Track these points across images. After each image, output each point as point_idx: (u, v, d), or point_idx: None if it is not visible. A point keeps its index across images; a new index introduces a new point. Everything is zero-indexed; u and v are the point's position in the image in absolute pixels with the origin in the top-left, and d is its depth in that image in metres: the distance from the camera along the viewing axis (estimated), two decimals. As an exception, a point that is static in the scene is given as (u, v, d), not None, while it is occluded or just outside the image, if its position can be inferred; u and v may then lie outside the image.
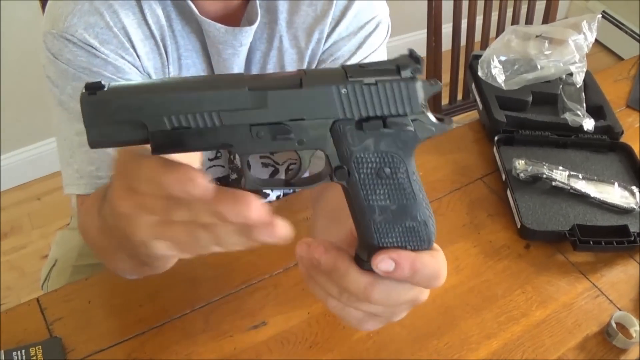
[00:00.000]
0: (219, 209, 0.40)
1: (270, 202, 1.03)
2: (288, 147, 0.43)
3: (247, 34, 0.75)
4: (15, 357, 0.71)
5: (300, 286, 0.83)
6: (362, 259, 0.49)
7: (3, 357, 0.71)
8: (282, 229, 0.41)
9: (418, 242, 0.48)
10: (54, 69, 0.71)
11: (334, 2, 0.79)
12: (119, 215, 0.44)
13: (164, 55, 0.74)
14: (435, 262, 0.48)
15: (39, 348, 0.72)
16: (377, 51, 0.85)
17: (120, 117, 0.40)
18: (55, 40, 0.69)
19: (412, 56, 0.44)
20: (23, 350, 0.72)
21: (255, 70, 0.81)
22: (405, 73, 0.44)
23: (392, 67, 0.44)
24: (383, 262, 0.46)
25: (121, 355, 0.74)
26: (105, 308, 0.78)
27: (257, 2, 0.75)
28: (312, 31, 0.80)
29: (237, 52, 0.75)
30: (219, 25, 0.73)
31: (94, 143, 0.41)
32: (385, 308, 0.50)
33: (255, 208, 0.40)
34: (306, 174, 0.49)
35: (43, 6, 1.03)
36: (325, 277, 0.49)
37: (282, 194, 1.01)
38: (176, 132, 0.41)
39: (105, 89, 0.40)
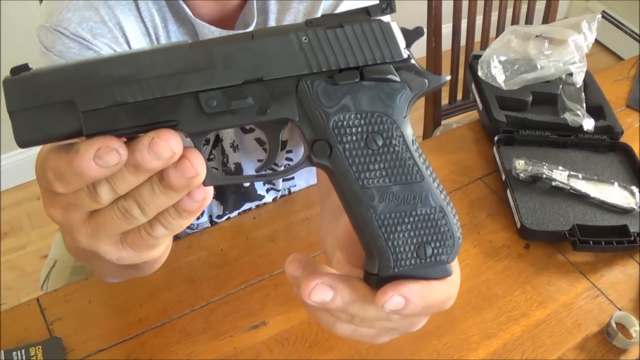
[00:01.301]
0: (133, 160, 0.34)
1: (265, 203, 1.02)
2: (248, 119, 0.35)
3: None
4: (15, 357, 0.71)
5: (300, 286, 0.83)
6: (371, 273, 0.40)
7: (3, 357, 0.71)
8: (198, 162, 0.35)
9: (439, 238, 0.39)
10: (46, 61, 0.70)
11: None
12: (57, 223, 0.39)
13: None
14: (448, 289, 0.42)
15: (39, 348, 0.72)
16: None
17: (45, 99, 0.33)
18: (48, 33, 0.69)
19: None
20: (23, 350, 0.72)
21: None
22: (375, 12, 0.36)
23: (362, 12, 0.37)
24: (390, 301, 0.39)
25: (121, 355, 0.74)
26: (105, 308, 0.78)
27: (254, 3, 0.74)
28: None
29: None
30: (213, 27, 0.73)
31: (21, 138, 0.34)
32: (403, 321, 0.44)
33: (169, 137, 0.33)
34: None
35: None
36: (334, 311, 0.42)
37: (279, 195, 1.00)
38: (110, 111, 0.33)
39: (32, 69, 0.34)
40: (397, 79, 0.36)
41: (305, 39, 0.35)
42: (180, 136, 0.34)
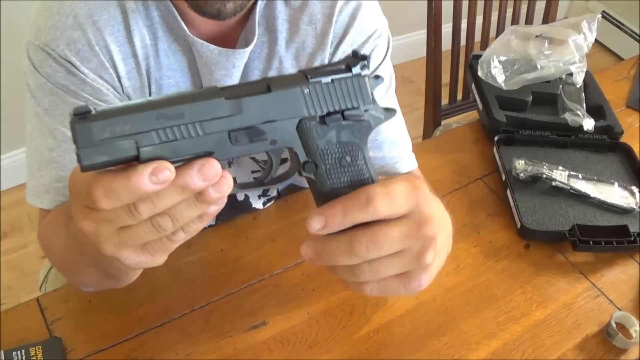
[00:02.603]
0: (183, 182, 0.42)
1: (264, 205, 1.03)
2: (263, 148, 0.48)
3: (241, 57, 0.73)
4: (15, 357, 0.71)
5: (301, 286, 0.83)
6: None
7: (3, 357, 0.71)
8: (230, 178, 0.45)
9: None
10: (34, 79, 0.70)
11: (334, 19, 0.77)
12: (86, 233, 0.45)
13: (144, 75, 0.73)
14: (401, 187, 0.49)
15: (39, 348, 0.72)
16: (382, 64, 0.84)
17: (110, 138, 0.42)
18: (37, 51, 0.69)
19: (358, 56, 0.50)
20: (23, 350, 0.72)
21: None
22: (356, 69, 0.50)
23: (343, 67, 0.50)
24: (313, 221, 0.51)
25: (121, 355, 0.74)
26: (105, 308, 0.78)
27: (256, 22, 0.73)
28: (314, 52, 0.79)
29: (230, 73, 0.74)
30: (212, 46, 0.71)
31: (86, 167, 0.42)
32: (414, 240, 0.50)
33: (215, 164, 0.44)
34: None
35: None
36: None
37: (276, 196, 1.01)
38: (163, 145, 0.43)
39: (93, 112, 0.42)
40: (366, 118, 0.51)
41: (307, 92, 0.48)
42: None
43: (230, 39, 0.74)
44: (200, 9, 0.65)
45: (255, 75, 0.78)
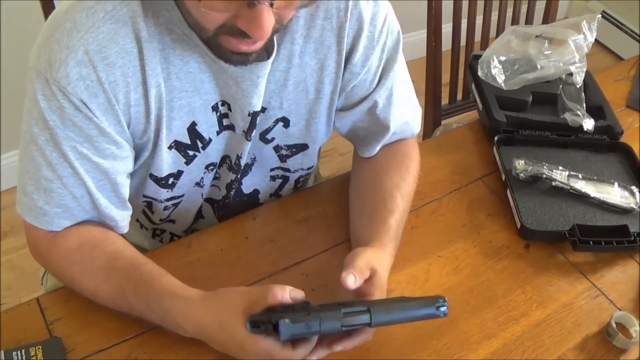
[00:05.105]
0: (333, 350, 0.72)
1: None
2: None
3: (264, 68, 0.75)
4: (15, 357, 0.71)
5: (300, 286, 0.83)
6: None
7: (3, 357, 0.71)
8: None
9: None
10: (38, 109, 0.71)
11: (349, 13, 0.79)
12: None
13: (152, 101, 0.74)
14: None
15: (39, 348, 0.72)
16: (399, 57, 0.88)
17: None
18: (45, 85, 0.69)
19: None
20: (23, 350, 0.72)
21: (275, 88, 0.81)
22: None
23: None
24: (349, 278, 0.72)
25: (121, 355, 0.74)
26: (105, 308, 0.78)
27: (274, 36, 0.75)
28: (331, 45, 0.81)
29: (256, 83, 0.76)
30: (232, 68, 0.73)
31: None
32: None
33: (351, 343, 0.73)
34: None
35: (44, 7, 1.03)
36: None
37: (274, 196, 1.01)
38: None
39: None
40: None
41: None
42: None
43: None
44: (226, 60, 0.71)
45: (276, 75, 0.80)
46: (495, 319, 0.82)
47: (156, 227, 0.99)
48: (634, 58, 1.40)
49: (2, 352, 0.72)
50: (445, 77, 1.51)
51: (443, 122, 1.58)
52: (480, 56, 1.19)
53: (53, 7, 1.01)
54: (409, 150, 0.94)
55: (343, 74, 0.84)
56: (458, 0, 1.46)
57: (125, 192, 0.80)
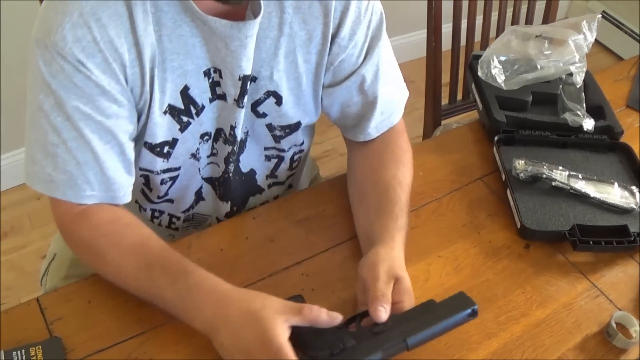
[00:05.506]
0: None
1: (267, 201, 1.03)
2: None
3: (252, 27, 0.77)
4: (15, 357, 0.71)
5: (300, 286, 0.83)
6: None
7: (3, 357, 0.71)
8: None
9: None
10: (40, 77, 0.73)
11: None
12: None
13: (146, 63, 0.76)
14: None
15: (39, 348, 0.72)
16: (383, 36, 0.90)
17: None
18: (45, 50, 0.72)
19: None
20: (23, 350, 0.72)
21: (266, 57, 0.83)
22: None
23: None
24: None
25: (121, 355, 0.74)
26: (105, 308, 0.78)
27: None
28: (319, 16, 0.83)
29: (244, 44, 0.78)
30: (224, 21, 0.75)
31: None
32: None
33: None
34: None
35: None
36: None
37: (282, 182, 1.01)
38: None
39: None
40: None
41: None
42: None
43: (239, 14, 0.78)
44: None
45: (267, 43, 0.82)
46: (495, 319, 0.83)
47: (154, 208, 0.99)
48: (634, 58, 1.40)
49: (2, 352, 0.72)
50: (445, 77, 1.52)
51: (443, 122, 1.58)
52: (480, 56, 1.19)
53: (53, 7, 1.01)
54: (401, 143, 0.96)
55: (331, 48, 0.86)
56: (458, 0, 1.46)
57: (131, 153, 0.81)
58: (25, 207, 1.90)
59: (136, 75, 0.77)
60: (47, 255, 1.07)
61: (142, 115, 0.81)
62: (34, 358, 0.71)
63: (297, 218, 0.94)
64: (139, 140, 0.84)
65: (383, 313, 0.70)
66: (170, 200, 0.96)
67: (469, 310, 0.71)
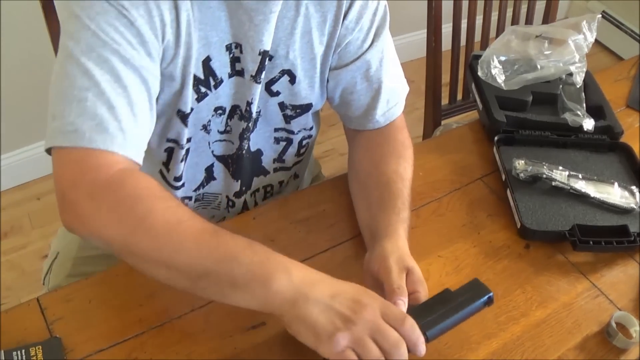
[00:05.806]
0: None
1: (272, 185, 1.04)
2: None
3: (276, 3, 0.80)
4: (15, 357, 0.71)
5: (300, 286, 0.83)
6: None
7: (3, 357, 0.71)
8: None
9: None
10: (75, 21, 0.71)
11: None
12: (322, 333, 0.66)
13: (182, 26, 0.77)
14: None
15: (39, 348, 0.72)
16: (386, 30, 0.92)
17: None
18: None
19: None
20: (23, 350, 0.72)
21: (283, 36, 0.85)
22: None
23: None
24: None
25: (121, 355, 0.74)
26: (105, 308, 0.78)
27: None
28: None
29: (268, 18, 0.80)
30: None
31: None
32: None
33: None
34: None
35: (44, 7, 1.03)
36: None
37: (288, 178, 1.01)
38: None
39: None
40: None
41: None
42: None
43: None
44: None
45: (284, 22, 0.84)
46: (495, 319, 0.82)
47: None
48: (634, 58, 1.40)
49: (2, 352, 0.72)
50: (445, 77, 1.52)
51: (443, 122, 1.58)
52: (480, 56, 1.19)
53: (53, 7, 1.01)
54: (402, 138, 0.96)
55: (340, 30, 0.88)
56: (458, 0, 1.46)
57: (153, 115, 0.77)
58: (25, 207, 1.91)
59: (172, 36, 0.77)
60: (50, 254, 1.07)
61: (174, 82, 0.79)
62: (34, 358, 0.71)
63: (297, 218, 0.94)
64: (171, 109, 0.83)
65: (402, 306, 0.71)
66: (183, 183, 0.96)
67: (485, 298, 0.72)
